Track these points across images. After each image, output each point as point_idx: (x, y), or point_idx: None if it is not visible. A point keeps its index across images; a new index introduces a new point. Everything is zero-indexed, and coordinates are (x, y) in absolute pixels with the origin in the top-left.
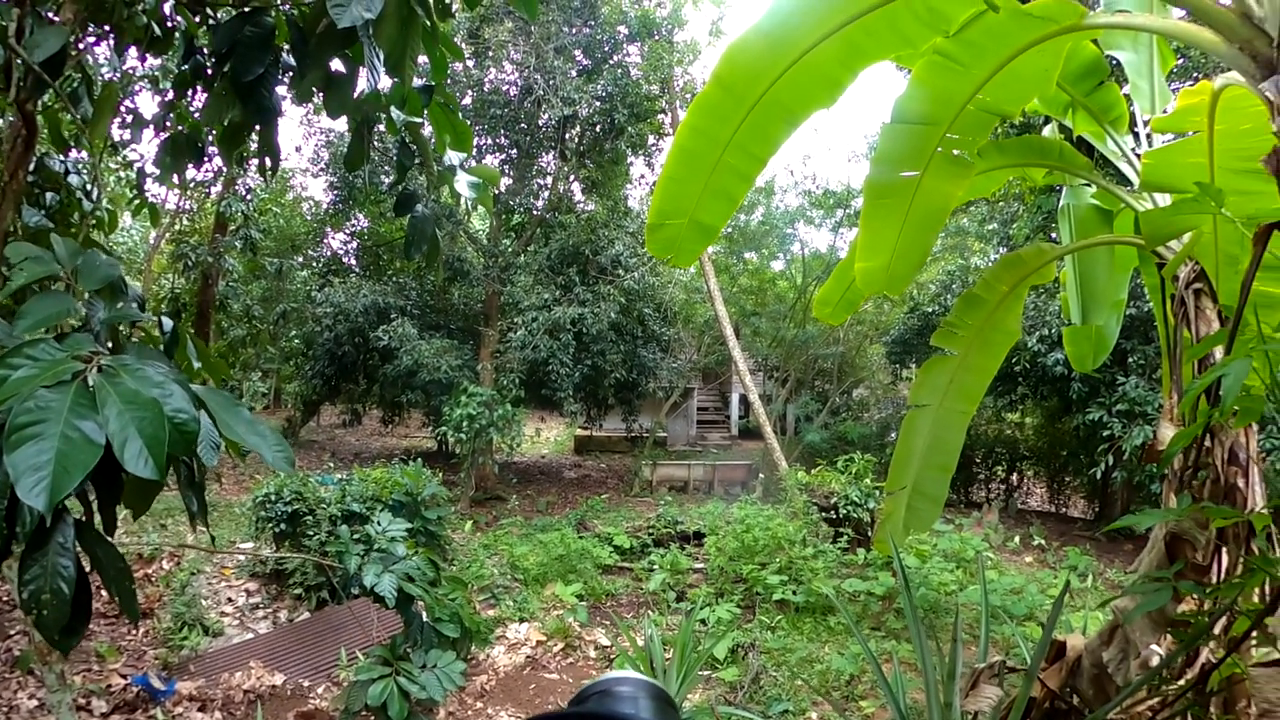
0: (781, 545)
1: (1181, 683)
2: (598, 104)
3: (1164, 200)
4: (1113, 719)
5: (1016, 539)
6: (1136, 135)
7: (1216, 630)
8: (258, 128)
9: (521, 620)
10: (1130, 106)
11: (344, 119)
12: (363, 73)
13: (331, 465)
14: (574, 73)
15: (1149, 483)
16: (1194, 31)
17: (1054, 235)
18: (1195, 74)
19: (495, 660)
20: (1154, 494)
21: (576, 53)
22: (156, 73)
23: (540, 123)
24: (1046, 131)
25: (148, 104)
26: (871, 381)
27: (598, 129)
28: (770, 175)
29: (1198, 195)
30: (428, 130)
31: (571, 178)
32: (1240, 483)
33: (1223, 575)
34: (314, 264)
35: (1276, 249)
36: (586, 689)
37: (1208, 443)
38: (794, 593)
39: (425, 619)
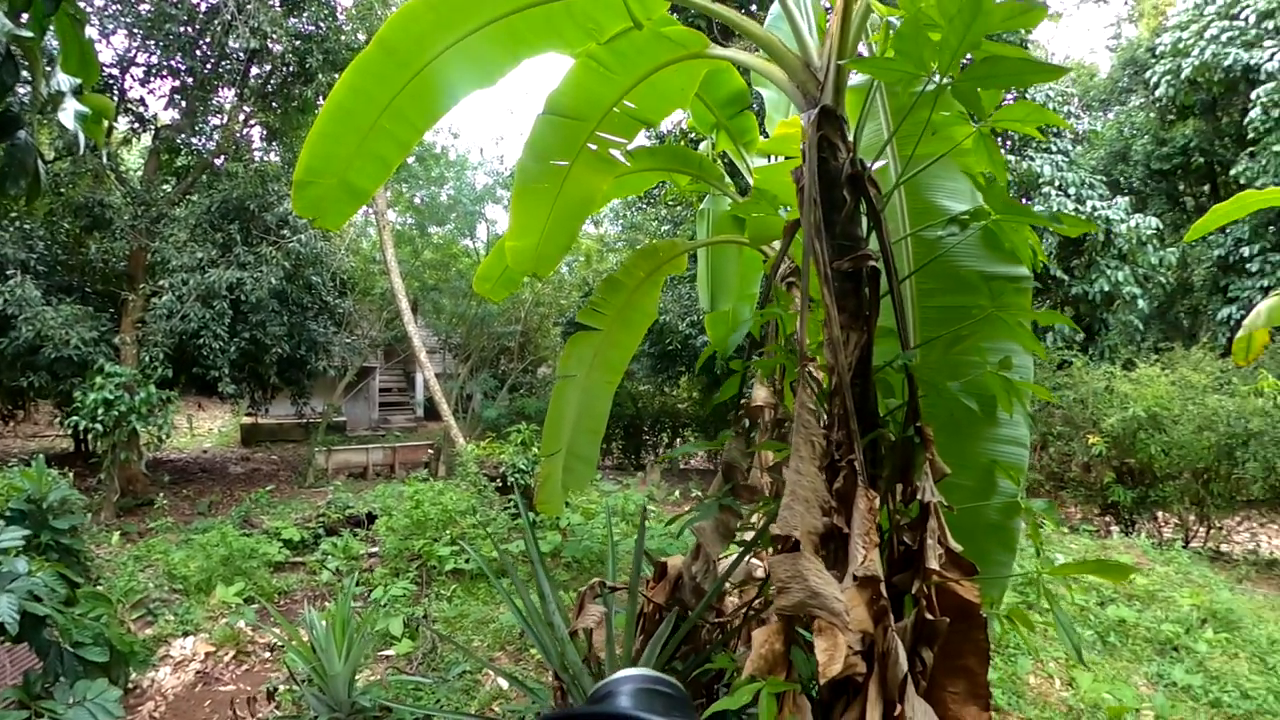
0: (453, 518)
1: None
2: (295, 43)
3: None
4: (716, 621)
5: (678, 493)
6: (769, 158)
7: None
8: None
9: (186, 634)
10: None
11: None
12: None
13: None
14: (275, 2)
15: None
16: (770, 68)
17: None
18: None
19: (161, 683)
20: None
21: None
22: None
23: (226, 52)
24: (703, 147)
25: None
26: (553, 360)
27: (289, 70)
28: (465, 150)
29: (753, 198)
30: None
31: (252, 121)
32: None
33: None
34: None
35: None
36: (596, 690)
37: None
38: (466, 561)
39: (64, 646)
